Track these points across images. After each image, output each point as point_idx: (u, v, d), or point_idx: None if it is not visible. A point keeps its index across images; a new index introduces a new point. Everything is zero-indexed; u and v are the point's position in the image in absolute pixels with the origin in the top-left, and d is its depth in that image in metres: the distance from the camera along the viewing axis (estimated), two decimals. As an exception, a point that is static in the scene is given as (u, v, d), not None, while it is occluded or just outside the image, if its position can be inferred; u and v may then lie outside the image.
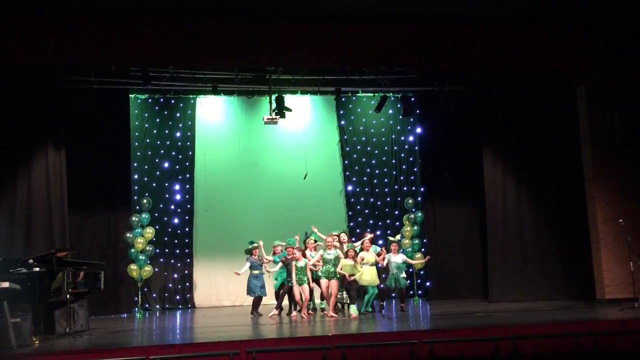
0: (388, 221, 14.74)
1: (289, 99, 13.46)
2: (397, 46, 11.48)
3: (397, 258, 11.58)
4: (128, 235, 13.07)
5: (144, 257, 13.11)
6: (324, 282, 10.92)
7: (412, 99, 14.46)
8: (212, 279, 14.03)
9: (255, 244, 11.80)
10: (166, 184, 14.14)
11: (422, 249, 14.13)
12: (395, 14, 11.14)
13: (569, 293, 12.42)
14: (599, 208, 11.89)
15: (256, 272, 11.67)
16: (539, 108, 12.89)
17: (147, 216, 13.43)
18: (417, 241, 14.16)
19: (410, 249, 13.96)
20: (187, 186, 14.20)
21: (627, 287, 11.38)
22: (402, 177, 14.95)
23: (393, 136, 15.05)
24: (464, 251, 13.89)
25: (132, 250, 13.08)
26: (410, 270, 13.66)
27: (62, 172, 12.12)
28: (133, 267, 12.99)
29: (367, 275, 10.97)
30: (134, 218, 13.23)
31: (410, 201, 14.44)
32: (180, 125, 14.34)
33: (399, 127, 15.07)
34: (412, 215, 14.31)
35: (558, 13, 11.29)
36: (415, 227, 14.22)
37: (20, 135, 11.82)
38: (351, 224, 14.55)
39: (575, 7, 11.07)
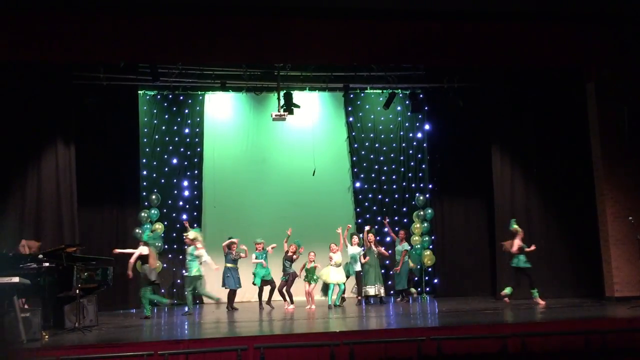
0: (396, 218, 14.69)
1: (297, 96, 13.45)
2: (406, 42, 11.45)
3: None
4: (137, 230, 13.11)
5: (152, 253, 13.13)
6: None
7: (421, 96, 14.40)
8: (220, 274, 14.05)
9: (232, 239, 12.33)
10: (175, 180, 14.18)
11: (431, 246, 14.13)
12: (404, 10, 11.10)
13: (578, 291, 12.37)
14: (608, 205, 11.80)
15: (230, 265, 12.23)
16: (548, 105, 12.83)
17: (156, 212, 13.49)
18: (426, 238, 14.15)
19: (419, 246, 13.95)
20: (196, 182, 14.24)
21: (636, 285, 11.33)
22: (410, 174, 14.91)
23: (401, 133, 15.00)
24: (472, 248, 13.85)
25: (141, 246, 13.11)
26: (418, 266, 13.68)
27: (71, 168, 12.21)
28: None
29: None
30: (142, 214, 13.28)
31: (421, 198, 14.39)
32: (189, 121, 14.37)
33: (407, 124, 15.03)
34: (422, 212, 14.28)
35: (567, 9, 11.21)
36: (425, 224, 14.20)
37: (29, 131, 11.90)
38: (359, 220, 14.53)
39: (585, 3, 11.00)
